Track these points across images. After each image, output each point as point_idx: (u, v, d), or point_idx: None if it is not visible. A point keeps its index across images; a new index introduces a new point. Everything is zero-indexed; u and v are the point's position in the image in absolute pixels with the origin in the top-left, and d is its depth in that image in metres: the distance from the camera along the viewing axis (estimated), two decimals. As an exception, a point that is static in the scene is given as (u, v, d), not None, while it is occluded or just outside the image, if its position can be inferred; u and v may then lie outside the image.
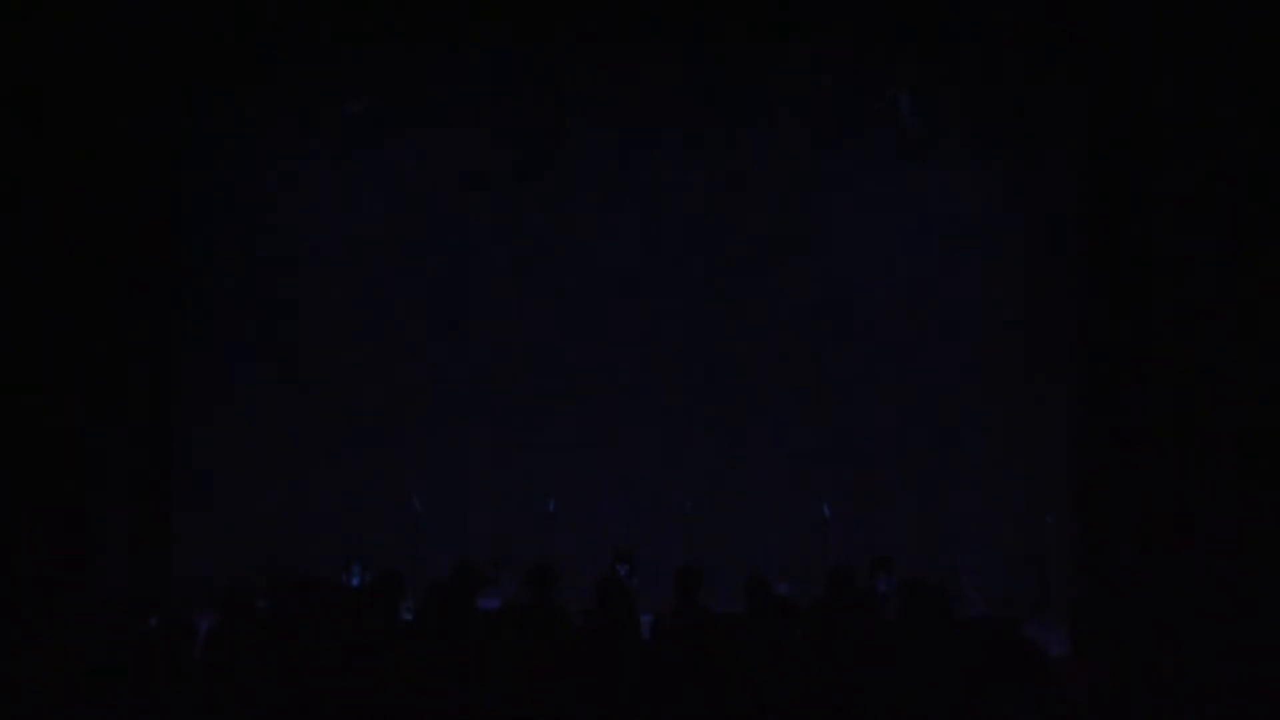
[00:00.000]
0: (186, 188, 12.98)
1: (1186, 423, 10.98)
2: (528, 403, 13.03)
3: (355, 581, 10.62)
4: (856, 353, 13.04)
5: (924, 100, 13.02)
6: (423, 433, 12.93)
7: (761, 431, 12.97)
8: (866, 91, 13.06)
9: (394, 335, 13.11)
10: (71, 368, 11.38)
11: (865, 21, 12.78)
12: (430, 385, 13.06)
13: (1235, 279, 10.52)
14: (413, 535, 11.91)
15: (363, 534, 12.09)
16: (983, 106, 12.97)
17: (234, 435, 12.89)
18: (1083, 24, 12.32)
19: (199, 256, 13.02)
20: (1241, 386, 10.38)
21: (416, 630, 6.65)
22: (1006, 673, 6.07)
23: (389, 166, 13.14)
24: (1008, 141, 13.01)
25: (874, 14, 12.74)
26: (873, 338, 13.06)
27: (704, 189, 13.14)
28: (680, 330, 13.12)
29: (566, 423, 12.96)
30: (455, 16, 12.84)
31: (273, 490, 12.75)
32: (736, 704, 5.97)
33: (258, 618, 6.65)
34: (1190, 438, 10.91)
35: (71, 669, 5.99)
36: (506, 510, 12.59)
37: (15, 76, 10.89)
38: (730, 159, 13.10)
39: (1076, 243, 12.81)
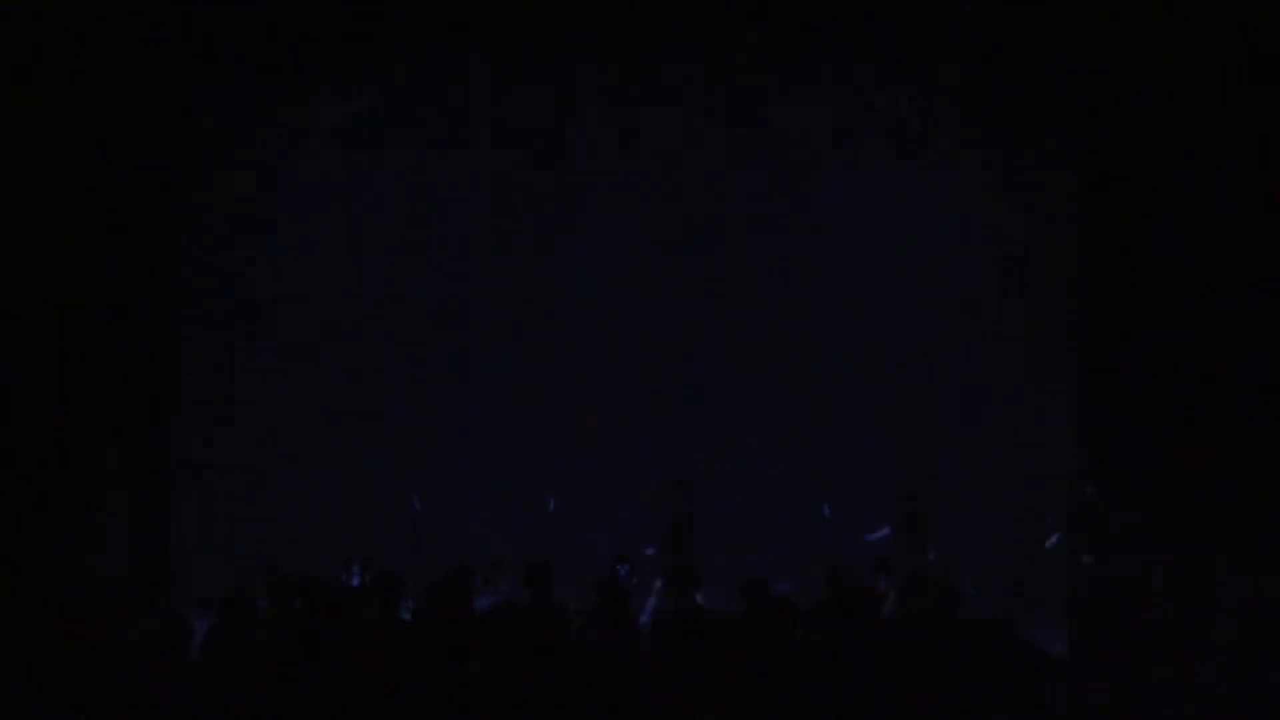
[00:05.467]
0: (187, 186, 12.98)
1: (1187, 422, 10.98)
2: (528, 402, 13.03)
3: (355, 581, 10.62)
4: (856, 352, 13.04)
5: (923, 99, 13.01)
6: (423, 432, 12.93)
7: (761, 431, 12.97)
8: (866, 91, 13.05)
9: (394, 335, 13.11)
10: (71, 367, 11.38)
11: (865, 21, 12.78)
12: (430, 385, 13.07)
13: (1236, 277, 10.52)
14: (413, 535, 11.90)
15: (363, 534, 12.08)
16: (982, 105, 12.96)
17: (234, 435, 12.90)
18: (1082, 23, 12.32)
19: (199, 257, 13.01)
20: (1242, 386, 10.38)
21: (416, 630, 6.65)
22: (1006, 673, 6.07)
23: (390, 165, 13.15)
24: (1007, 140, 13.00)
25: (874, 13, 12.74)
26: (873, 337, 13.06)
27: (703, 189, 13.15)
28: (680, 330, 13.12)
29: (566, 422, 12.96)
30: (456, 16, 12.85)
31: (273, 490, 12.75)
32: (736, 704, 5.97)
33: (258, 618, 6.64)
34: (1190, 437, 10.91)
35: (71, 668, 5.98)
36: (506, 510, 12.59)
37: (16, 75, 10.89)
38: (730, 159, 13.10)
39: (1076, 242, 12.80)
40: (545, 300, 13.15)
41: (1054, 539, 11.62)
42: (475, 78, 13.04)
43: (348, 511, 12.57)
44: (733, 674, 6.07)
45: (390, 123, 13.05)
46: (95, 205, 11.64)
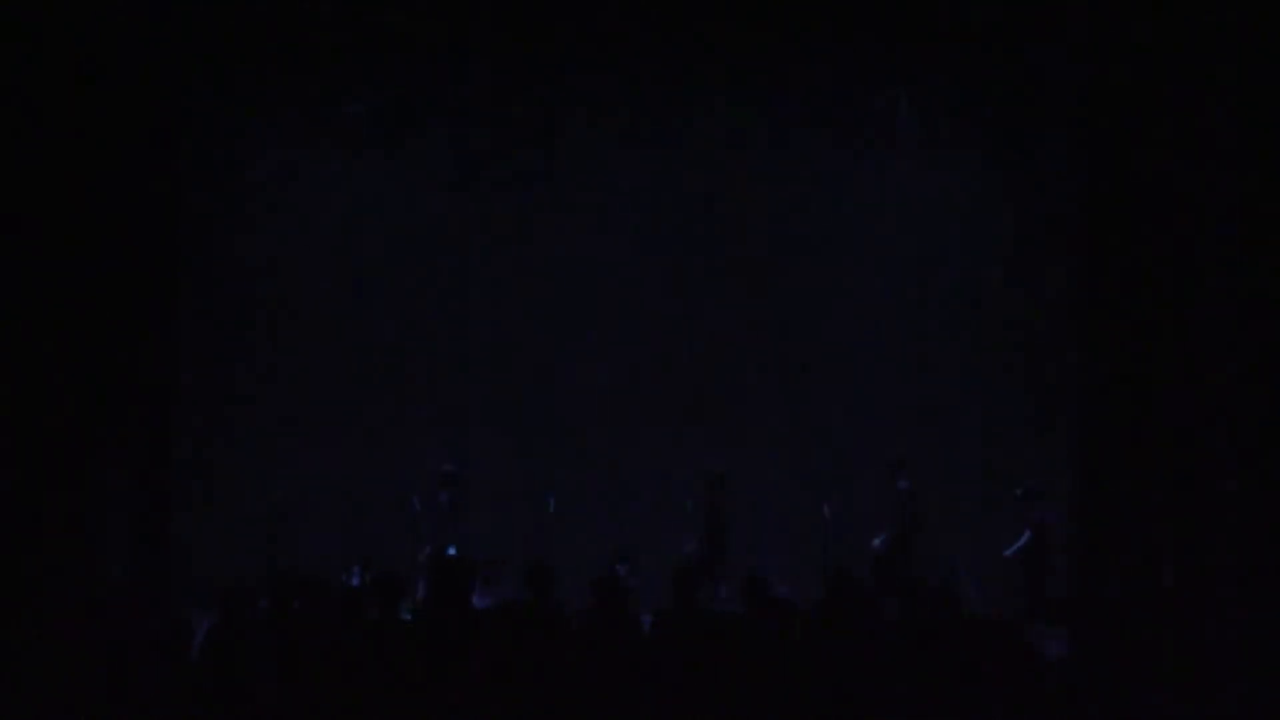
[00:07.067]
0: (187, 187, 12.97)
1: (1187, 421, 10.98)
2: (528, 402, 13.04)
3: (355, 581, 10.63)
4: (856, 352, 13.04)
5: (923, 99, 13.01)
6: (423, 432, 12.93)
7: (761, 431, 12.97)
8: (865, 90, 13.06)
9: (394, 335, 13.12)
10: (71, 367, 11.38)
11: (863, 19, 12.78)
12: (430, 385, 13.07)
13: (1236, 274, 10.51)
14: (413, 535, 11.91)
15: (363, 533, 12.09)
16: (981, 103, 12.97)
17: (234, 435, 12.90)
18: (1082, 19, 12.31)
19: (199, 256, 13.01)
20: (1243, 384, 10.38)
21: (416, 630, 6.65)
22: (1006, 673, 6.07)
23: (390, 165, 13.15)
24: (1006, 138, 13.01)
25: (873, 12, 12.74)
26: (872, 336, 13.06)
27: (703, 188, 13.16)
28: (680, 329, 13.13)
29: (566, 422, 12.96)
30: (456, 17, 12.85)
31: (273, 490, 12.73)
32: (736, 704, 5.97)
33: (258, 618, 6.65)
34: (1191, 437, 10.91)
35: (71, 668, 5.99)
36: (506, 510, 12.59)
37: (16, 75, 10.89)
38: (730, 159, 13.11)
39: (1076, 240, 12.80)
40: (545, 300, 13.15)
41: (879, 540, 11.76)
42: (475, 78, 13.05)
43: (348, 511, 12.57)
44: (733, 674, 6.07)
45: (391, 123, 13.05)
46: (96, 205, 11.63)
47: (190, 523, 12.68)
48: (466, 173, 13.17)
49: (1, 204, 10.87)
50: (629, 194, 13.16)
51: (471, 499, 12.08)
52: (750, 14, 12.77)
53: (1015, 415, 12.89)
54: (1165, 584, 9.69)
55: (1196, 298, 10.91)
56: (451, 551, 11.59)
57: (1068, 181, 12.77)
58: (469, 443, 12.93)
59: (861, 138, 13.12)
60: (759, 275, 13.15)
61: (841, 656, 6.17)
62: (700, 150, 13.11)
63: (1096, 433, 12.33)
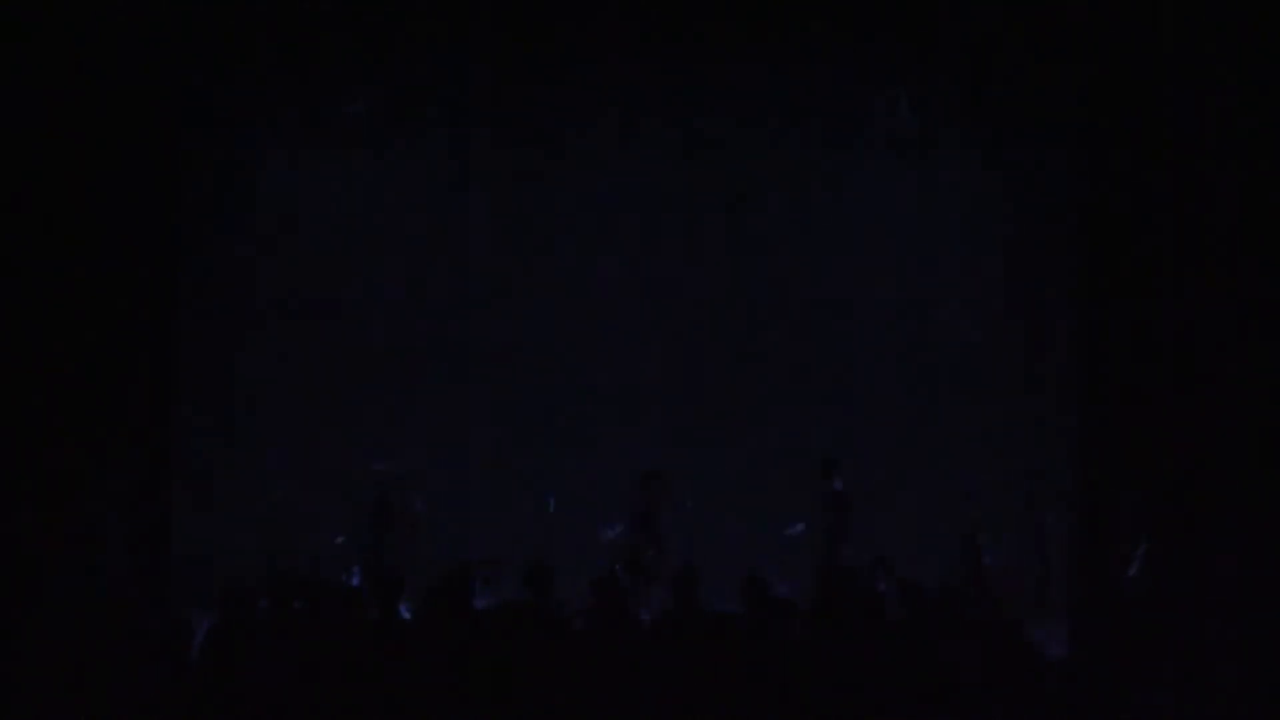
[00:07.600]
0: (187, 185, 12.96)
1: (1188, 422, 10.98)
2: (528, 402, 13.04)
3: (355, 581, 10.63)
4: (856, 351, 13.05)
5: (923, 100, 13.02)
6: (423, 432, 12.93)
7: (761, 431, 12.97)
8: (865, 90, 13.07)
9: (394, 335, 13.12)
10: (70, 367, 11.38)
11: (863, 19, 12.78)
12: (429, 385, 13.07)
13: (1237, 274, 10.52)
14: (413, 535, 11.91)
15: (363, 533, 12.09)
16: (982, 105, 12.97)
17: (234, 435, 12.90)
18: (1082, 19, 12.31)
19: (199, 255, 13.00)
20: (1244, 384, 10.38)
21: (416, 630, 6.65)
22: (1006, 673, 6.07)
23: (389, 163, 13.16)
24: (1006, 138, 13.01)
25: (873, 12, 12.75)
26: (872, 336, 13.07)
27: (703, 188, 13.16)
28: (680, 329, 13.14)
29: (566, 422, 12.96)
30: (456, 16, 12.85)
31: (273, 489, 12.74)
32: (736, 704, 5.97)
33: (258, 618, 6.65)
34: (1192, 437, 10.91)
35: (71, 668, 5.99)
36: (506, 510, 12.59)
37: (16, 74, 10.89)
38: (730, 159, 13.12)
39: (1076, 240, 12.80)
40: (545, 299, 13.15)
41: (798, 528, 11.69)
42: (475, 78, 13.05)
43: (349, 511, 12.56)
44: (733, 674, 6.07)
45: (391, 122, 13.06)
46: (95, 205, 11.62)
47: (190, 523, 12.69)
48: (466, 173, 13.17)
49: (1, 205, 10.87)
50: (629, 194, 13.16)
51: (412, 500, 12.08)
52: (750, 14, 12.77)
53: (1015, 415, 12.88)
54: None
55: (1197, 297, 10.91)
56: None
57: (1068, 181, 12.79)
58: (469, 442, 12.94)
59: (861, 138, 13.12)
60: (759, 275, 13.15)
61: (841, 656, 6.17)
62: (700, 150, 13.11)
63: (1096, 433, 12.34)
